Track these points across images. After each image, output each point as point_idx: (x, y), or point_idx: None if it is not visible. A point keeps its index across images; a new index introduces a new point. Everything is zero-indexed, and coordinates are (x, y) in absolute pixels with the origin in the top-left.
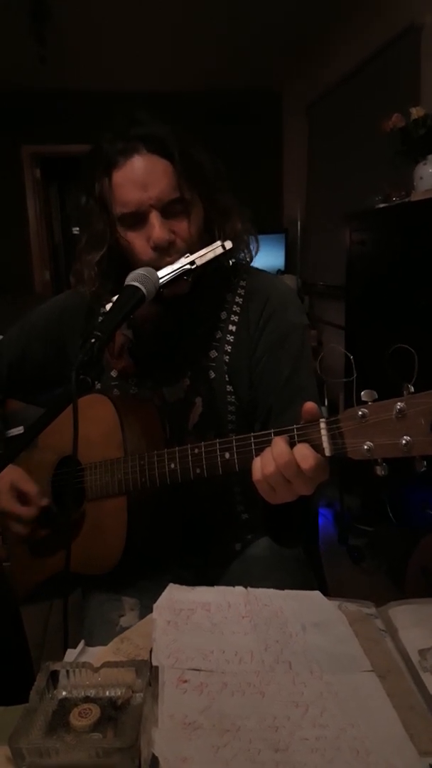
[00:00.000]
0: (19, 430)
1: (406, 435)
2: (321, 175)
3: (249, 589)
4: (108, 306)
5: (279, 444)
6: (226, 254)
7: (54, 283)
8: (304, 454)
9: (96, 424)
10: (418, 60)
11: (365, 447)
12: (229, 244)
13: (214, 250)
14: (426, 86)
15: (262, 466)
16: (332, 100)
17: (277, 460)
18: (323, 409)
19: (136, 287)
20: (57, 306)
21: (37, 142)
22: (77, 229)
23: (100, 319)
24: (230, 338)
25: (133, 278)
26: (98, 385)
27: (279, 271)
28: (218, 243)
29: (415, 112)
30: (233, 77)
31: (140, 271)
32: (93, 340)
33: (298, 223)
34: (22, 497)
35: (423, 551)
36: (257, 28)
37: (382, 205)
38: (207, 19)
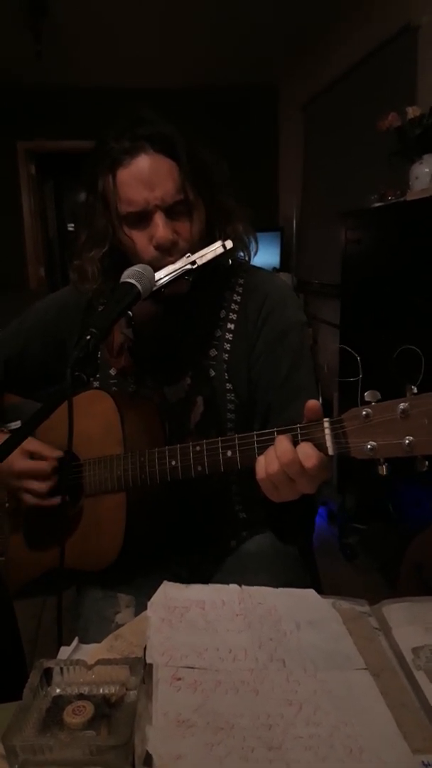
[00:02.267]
0: (16, 424)
1: (409, 435)
2: (317, 173)
3: (243, 587)
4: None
5: (283, 442)
6: (226, 254)
7: (48, 279)
8: (307, 453)
9: (96, 420)
10: (414, 60)
11: (368, 446)
12: (229, 244)
13: (214, 250)
14: (422, 86)
15: (266, 464)
16: (329, 98)
17: (281, 459)
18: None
19: (132, 284)
20: (55, 303)
21: (33, 137)
22: (72, 225)
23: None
24: (229, 336)
25: (129, 275)
26: (96, 384)
27: (274, 269)
28: (219, 243)
29: (411, 112)
30: (230, 74)
31: (136, 268)
32: (88, 337)
33: (294, 221)
34: (34, 456)
35: (416, 549)
36: (254, 25)
37: (377, 204)
38: (204, 16)
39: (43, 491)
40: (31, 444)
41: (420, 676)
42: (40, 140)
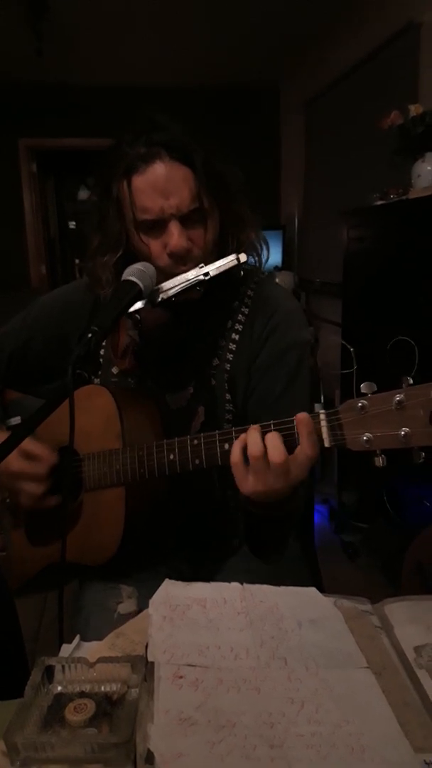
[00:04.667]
0: (17, 419)
1: (405, 426)
2: (319, 171)
3: (245, 585)
4: None
5: (252, 435)
6: (239, 266)
7: (50, 277)
8: (275, 445)
9: (94, 415)
10: (416, 57)
11: (364, 438)
12: (243, 257)
13: (228, 262)
14: (424, 84)
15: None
16: (331, 96)
17: (249, 450)
18: (319, 405)
19: (133, 282)
20: (61, 298)
21: (34, 135)
22: (74, 223)
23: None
24: (232, 347)
25: (130, 273)
26: (97, 381)
27: (276, 268)
28: (233, 256)
29: (414, 110)
30: (231, 73)
31: (137, 265)
32: (90, 335)
33: (296, 219)
34: (30, 458)
35: (417, 547)
36: (255, 23)
37: (379, 203)
38: (206, 14)
39: (38, 493)
40: (27, 444)
41: (422, 675)
42: (42, 138)
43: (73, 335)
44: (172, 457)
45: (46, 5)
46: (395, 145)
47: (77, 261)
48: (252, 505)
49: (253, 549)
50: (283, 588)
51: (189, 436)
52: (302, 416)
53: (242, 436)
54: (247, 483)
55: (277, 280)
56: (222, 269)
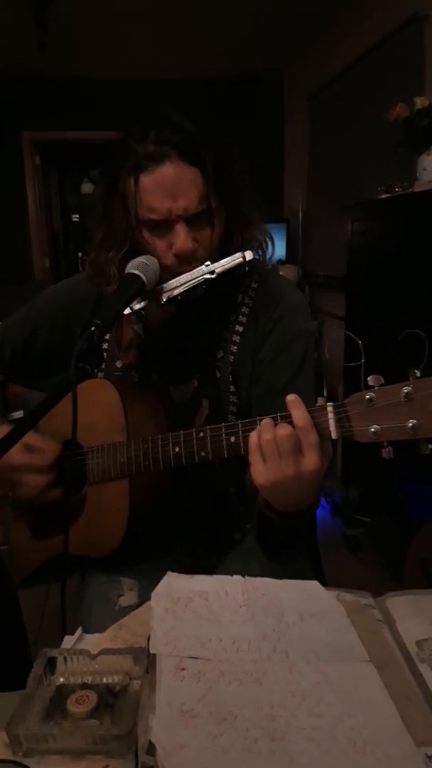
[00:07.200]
0: (20, 413)
1: (413, 418)
2: (323, 164)
3: (247, 578)
4: None
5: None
6: (245, 263)
7: (53, 270)
8: (282, 425)
9: (98, 408)
10: (422, 50)
11: (372, 430)
12: (249, 255)
13: (234, 260)
14: (430, 76)
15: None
16: (335, 89)
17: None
18: (321, 399)
19: (136, 275)
20: (65, 291)
21: (38, 128)
22: (77, 216)
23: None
24: (236, 338)
25: (134, 266)
26: (101, 375)
27: (280, 261)
28: (239, 254)
29: (419, 102)
30: (235, 65)
31: (141, 259)
32: (92, 329)
33: (300, 213)
34: (33, 450)
35: (420, 542)
36: (260, 15)
37: (384, 196)
38: (209, 6)
39: (41, 485)
40: (29, 437)
41: (424, 669)
42: (45, 131)
43: (76, 328)
44: (177, 449)
45: None
46: (400, 138)
47: (80, 254)
48: (267, 509)
49: (265, 551)
50: (285, 581)
51: (194, 428)
52: (292, 397)
53: (258, 427)
54: (259, 469)
55: (280, 273)
56: (228, 267)
